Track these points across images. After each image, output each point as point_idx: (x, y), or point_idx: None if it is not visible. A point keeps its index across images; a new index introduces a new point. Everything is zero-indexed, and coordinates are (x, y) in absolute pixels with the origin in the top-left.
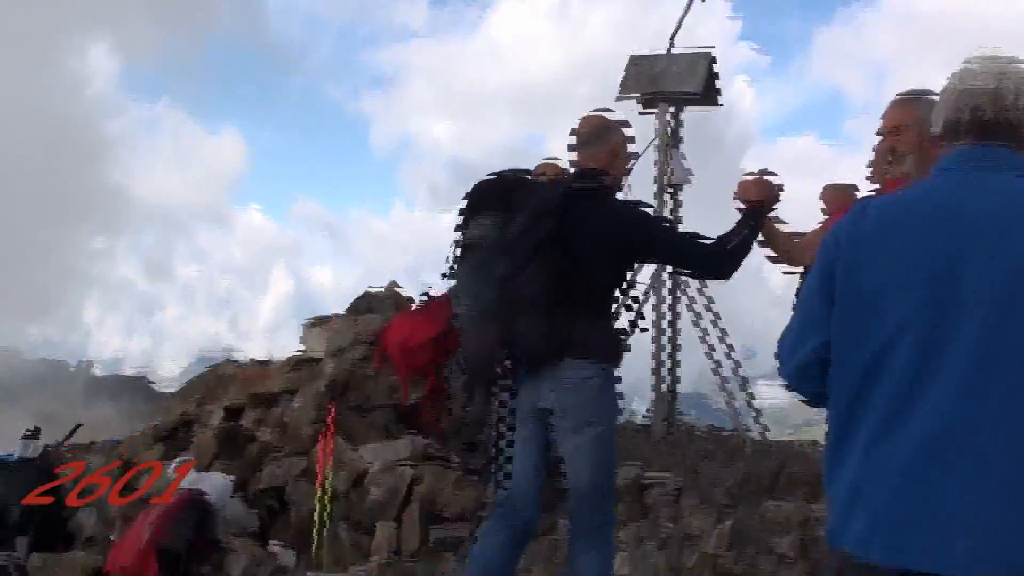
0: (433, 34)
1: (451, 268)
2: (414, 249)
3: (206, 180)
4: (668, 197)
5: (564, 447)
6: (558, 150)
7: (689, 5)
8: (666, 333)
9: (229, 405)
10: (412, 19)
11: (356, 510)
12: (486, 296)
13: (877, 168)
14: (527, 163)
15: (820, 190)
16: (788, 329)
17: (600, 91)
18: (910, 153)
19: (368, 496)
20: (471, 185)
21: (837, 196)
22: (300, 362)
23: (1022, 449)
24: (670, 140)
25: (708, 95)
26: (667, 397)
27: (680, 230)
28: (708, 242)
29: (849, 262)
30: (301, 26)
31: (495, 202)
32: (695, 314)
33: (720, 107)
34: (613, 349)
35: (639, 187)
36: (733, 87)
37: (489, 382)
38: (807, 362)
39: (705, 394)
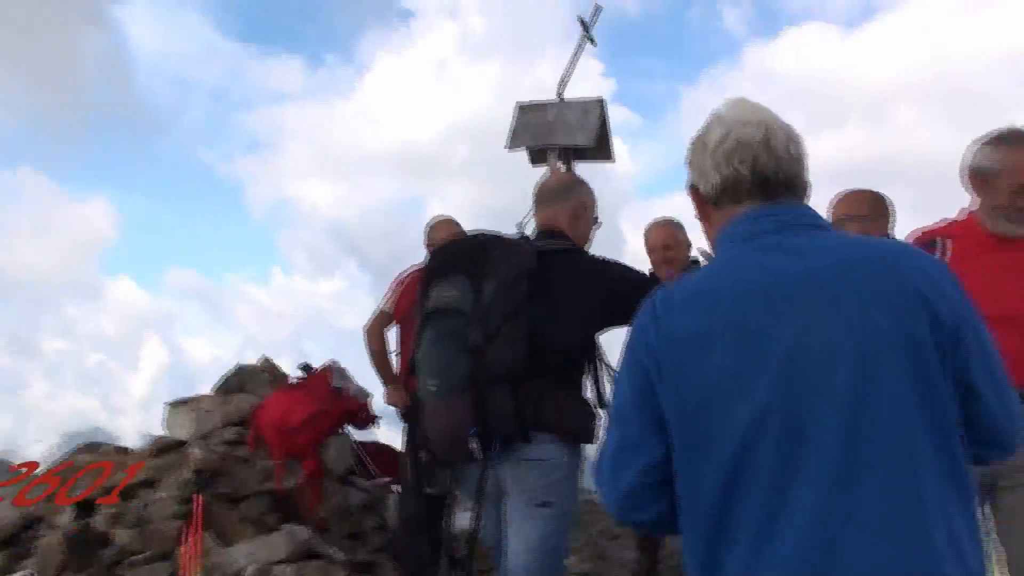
0: (308, 96)
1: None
2: (294, 317)
3: (73, 249)
4: None
5: (513, 526)
6: (436, 211)
7: (579, 49)
8: None
9: (81, 501)
10: (286, 81)
11: None
12: (457, 369)
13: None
14: (409, 226)
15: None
16: (602, 453)
17: (480, 151)
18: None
19: None
20: (436, 248)
21: (662, 231)
22: (164, 448)
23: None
24: None
25: (601, 147)
26: None
27: None
28: None
29: (670, 366)
30: (171, 88)
31: (464, 265)
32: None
33: (613, 161)
34: (585, 427)
35: None
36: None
37: (455, 464)
38: (633, 488)
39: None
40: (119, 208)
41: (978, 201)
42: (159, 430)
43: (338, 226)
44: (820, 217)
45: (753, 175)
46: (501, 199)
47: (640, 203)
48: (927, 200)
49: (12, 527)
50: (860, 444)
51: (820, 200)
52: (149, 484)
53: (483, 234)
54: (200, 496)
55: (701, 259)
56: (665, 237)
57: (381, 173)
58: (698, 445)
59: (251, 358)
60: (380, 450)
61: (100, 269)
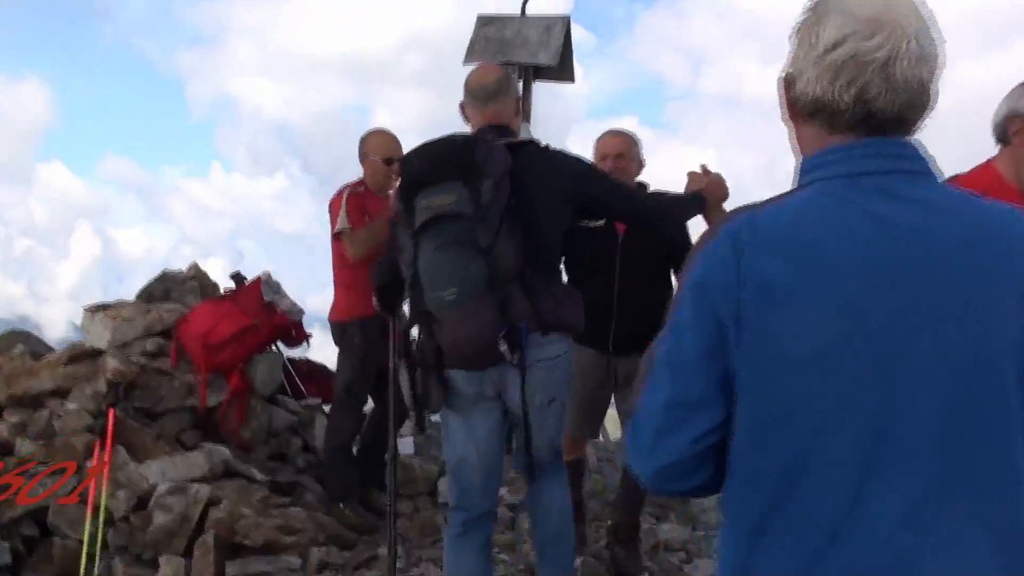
0: None
1: (385, 263)
2: (233, 216)
3: (5, 132)
4: None
5: (527, 420)
6: (384, 121)
7: None
8: None
9: None
10: None
11: (137, 539)
12: (474, 273)
13: None
14: (355, 133)
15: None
16: (645, 409)
17: (432, 63)
18: None
19: (152, 522)
20: (406, 155)
21: (616, 140)
22: (78, 355)
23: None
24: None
25: (563, 66)
26: None
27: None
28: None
29: (754, 317)
30: None
31: (454, 168)
32: None
33: (574, 82)
34: (580, 317)
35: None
36: None
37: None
38: (683, 456)
39: None
40: (55, 92)
41: (1009, 153)
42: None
43: (282, 127)
44: (929, 161)
45: (857, 105)
46: (448, 113)
47: (591, 123)
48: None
49: None
50: (961, 454)
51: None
52: (61, 393)
53: (459, 136)
54: (114, 409)
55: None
56: (618, 146)
57: (328, 77)
58: (773, 416)
59: (186, 254)
60: (311, 369)
61: (33, 154)
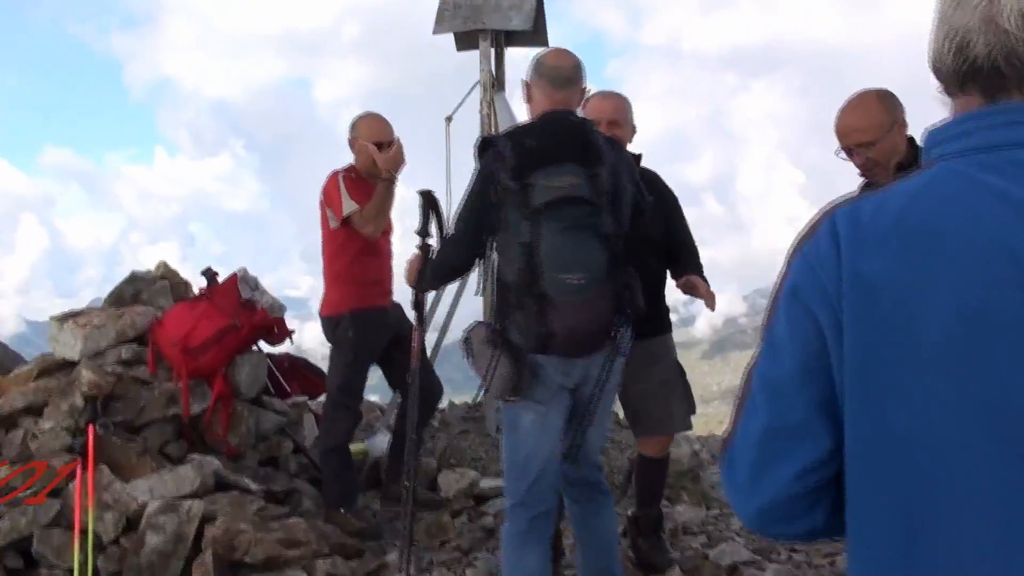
0: None
1: (530, 227)
2: (181, 199)
3: None
4: None
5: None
6: (326, 93)
7: None
8: None
9: None
10: None
11: (130, 564)
12: (600, 260)
13: None
14: (297, 107)
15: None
16: (741, 440)
17: (370, 32)
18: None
19: (145, 544)
20: (509, 133)
21: (609, 103)
22: (49, 368)
23: None
24: (489, 85)
25: (537, 31)
26: None
27: None
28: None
29: (859, 323)
30: None
31: (574, 151)
32: None
33: (548, 46)
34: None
35: (461, 142)
36: None
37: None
38: (787, 494)
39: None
40: None
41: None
42: (35, 315)
43: (222, 106)
44: None
45: (958, 58)
46: (395, 82)
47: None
48: (815, 84)
49: None
50: None
51: None
52: (33, 411)
53: (574, 116)
54: (93, 425)
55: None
56: (612, 111)
57: (267, 52)
58: (887, 447)
59: (135, 240)
60: (293, 364)
61: None
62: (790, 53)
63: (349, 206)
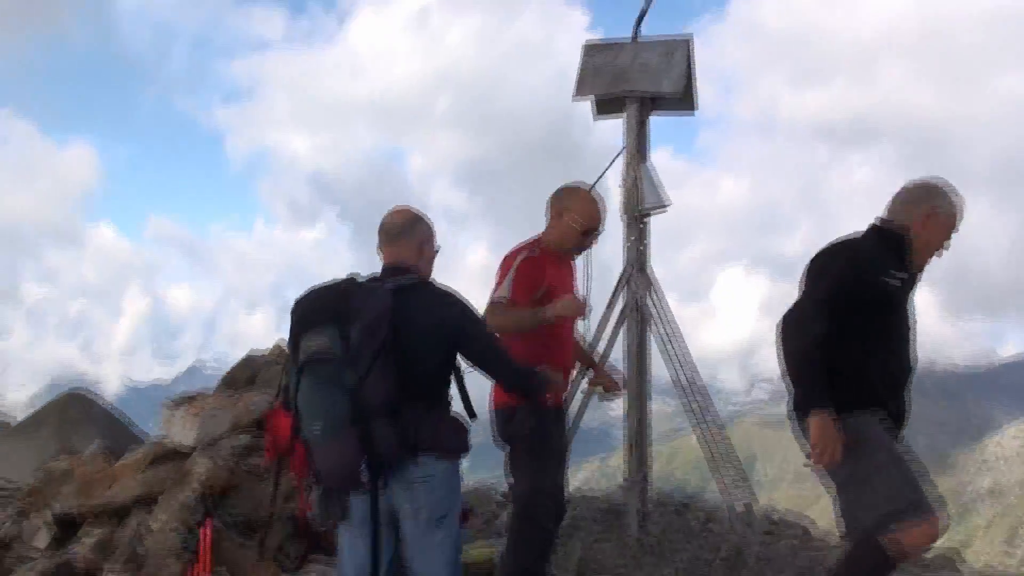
0: (290, 45)
1: (284, 388)
2: (277, 267)
3: (54, 195)
4: (633, 225)
5: (415, 546)
6: (418, 163)
7: None
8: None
9: (62, 516)
10: (269, 29)
11: None
12: (337, 410)
13: None
14: (389, 177)
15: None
16: None
17: (463, 103)
18: None
19: None
20: (296, 299)
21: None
22: (161, 456)
23: None
24: (635, 153)
25: (685, 95)
26: (640, 483)
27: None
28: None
29: None
30: (153, 34)
31: (330, 314)
32: (672, 364)
33: (696, 111)
34: (460, 442)
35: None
36: None
37: (347, 494)
38: None
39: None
40: (101, 155)
41: None
42: (136, 377)
43: (318, 176)
44: None
45: None
46: (485, 152)
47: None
48: (911, 157)
49: None
50: None
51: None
52: (144, 501)
53: (343, 281)
54: (211, 521)
55: None
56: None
57: (362, 123)
58: None
59: (233, 307)
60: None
61: (82, 216)
62: (887, 125)
63: (498, 293)
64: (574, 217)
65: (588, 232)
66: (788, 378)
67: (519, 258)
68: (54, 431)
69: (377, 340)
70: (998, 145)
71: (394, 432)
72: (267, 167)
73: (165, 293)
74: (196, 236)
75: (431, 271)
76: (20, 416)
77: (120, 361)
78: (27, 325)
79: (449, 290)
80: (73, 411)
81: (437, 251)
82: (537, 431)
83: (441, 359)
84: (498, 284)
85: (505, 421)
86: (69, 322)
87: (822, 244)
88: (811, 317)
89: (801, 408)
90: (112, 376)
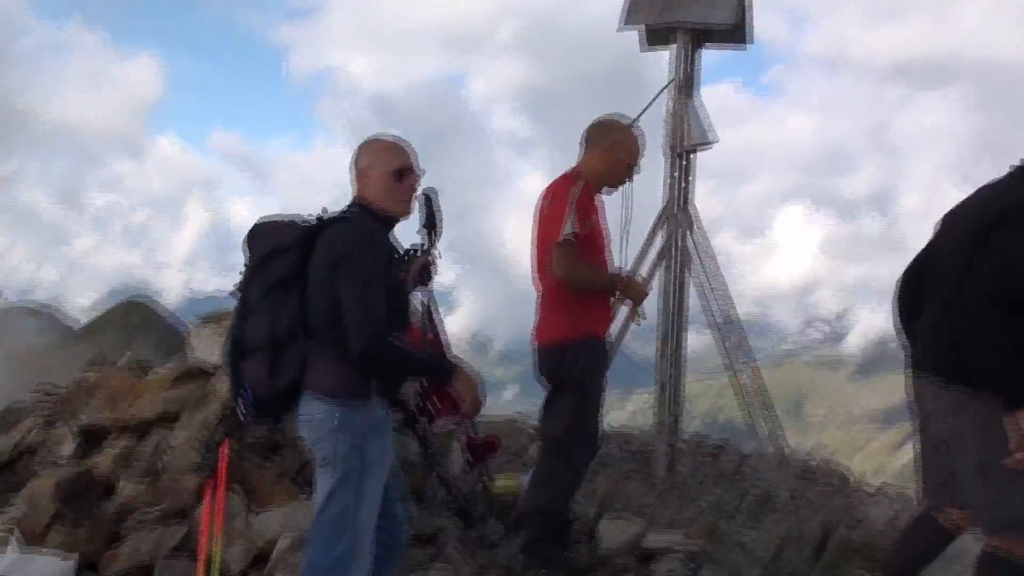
0: None
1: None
2: (335, 188)
3: (119, 106)
4: (676, 161)
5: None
6: (480, 89)
7: None
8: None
9: (87, 427)
10: None
11: None
12: (227, 348)
13: None
14: (451, 103)
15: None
16: None
17: (527, 31)
18: None
19: None
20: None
21: None
22: (186, 374)
23: None
24: (683, 87)
25: (737, 27)
26: (670, 427)
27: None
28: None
29: None
30: None
31: (254, 252)
32: (709, 307)
33: (749, 44)
34: (338, 385)
35: (648, 149)
36: None
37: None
38: None
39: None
40: (165, 68)
41: None
42: (197, 287)
43: (378, 99)
44: None
45: None
46: (549, 80)
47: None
48: (989, 101)
49: (2, 458)
50: None
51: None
52: (168, 418)
53: (291, 217)
54: (228, 442)
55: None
56: None
57: (425, 48)
58: None
59: None
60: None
61: (147, 127)
62: (964, 67)
63: (570, 229)
64: (625, 151)
65: (631, 168)
66: (949, 352)
67: (574, 190)
68: (115, 337)
69: (269, 277)
70: None
71: (263, 370)
72: (328, 87)
73: (226, 206)
74: (255, 151)
75: (392, 201)
76: (83, 321)
77: (181, 271)
78: (91, 232)
79: (353, 226)
80: (134, 318)
81: (399, 177)
82: (587, 371)
83: (327, 297)
84: (558, 218)
85: (555, 359)
86: (132, 231)
87: (887, 186)
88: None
89: (1012, 402)
90: (173, 285)
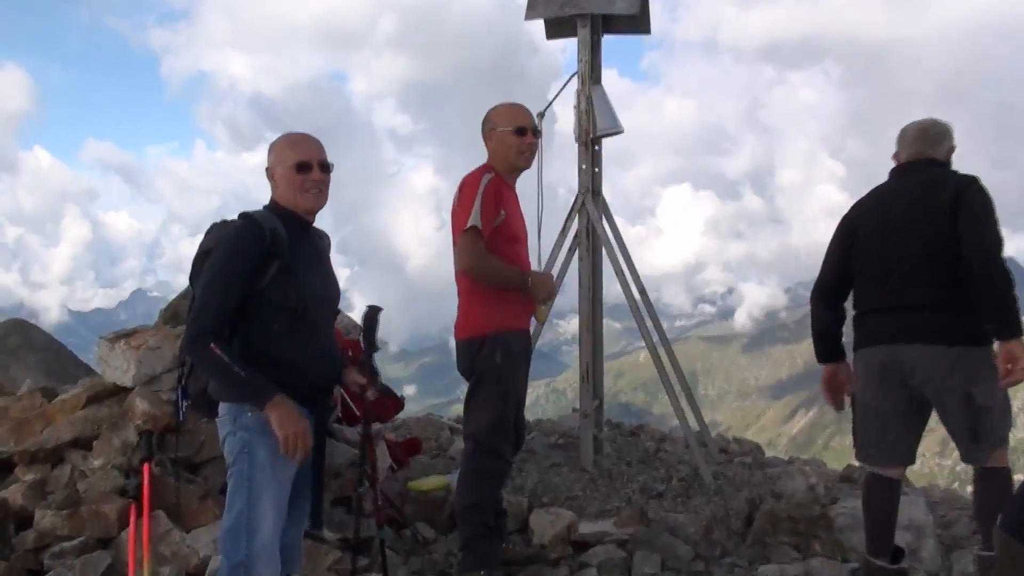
0: None
1: None
2: (221, 191)
3: None
4: (585, 150)
5: None
6: (362, 86)
7: None
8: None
9: None
10: None
11: None
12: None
13: None
14: (333, 101)
15: None
16: None
17: (407, 26)
18: None
19: None
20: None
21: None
22: (98, 394)
23: None
24: (588, 76)
25: (640, 16)
26: (594, 412)
27: (211, 290)
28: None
29: None
30: None
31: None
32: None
33: (650, 33)
34: (218, 388)
35: (555, 140)
36: None
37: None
38: None
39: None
40: (34, 77)
41: None
42: (78, 305)
43: (259, 100)
44: None
45: None
46: (429, 75)
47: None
48: (856, 77)
49: None
50: None
51: None
52: (81, 444)
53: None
54: (149, 464)
55: None
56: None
57: (303, 46)
58: None
59: (175, 232)
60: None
61: (16, 140)
62: (830, 46)
63: (474, 220)
64: (502, 122)
65: (521, 131)
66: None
67: (484, 180)
68: None
69: (195, 278)
70: (936, 66)
71: (187, 370)
72: (205, 91)
73: (105, 219)
74: (134, 160)
75: (295, 195)
76: None
77: (61, 288)
78: None
79: (229, 225)
80: (13, 340)
81: (298, 170)
82: (506, 362)
83: (236, 293)
84: (465, 209)
85: (472, 353)
86: (6, 249)
87: (764, 163)
88: None
89: (1005, 333)
90: (53, 304)
